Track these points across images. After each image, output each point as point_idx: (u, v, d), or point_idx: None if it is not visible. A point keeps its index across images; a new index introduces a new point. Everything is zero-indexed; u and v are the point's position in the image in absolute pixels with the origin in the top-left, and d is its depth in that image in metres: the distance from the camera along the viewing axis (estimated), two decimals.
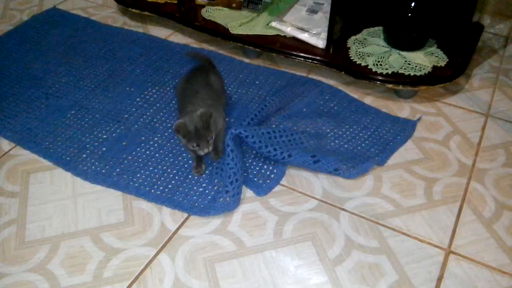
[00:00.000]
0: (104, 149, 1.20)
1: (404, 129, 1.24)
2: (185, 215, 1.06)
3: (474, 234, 1.01)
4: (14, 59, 1.51)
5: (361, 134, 1.23)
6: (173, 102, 1.33)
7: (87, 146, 1.21)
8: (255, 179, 1.13)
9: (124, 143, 1.21)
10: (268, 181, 1.12)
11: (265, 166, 1.15)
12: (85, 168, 1.15)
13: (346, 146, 1.19)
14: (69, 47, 1.56)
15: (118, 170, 1.14)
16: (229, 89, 1.37)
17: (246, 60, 1.50)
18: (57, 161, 1.18)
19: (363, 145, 1.20)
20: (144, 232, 1.03)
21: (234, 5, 1.57)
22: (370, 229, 1.02)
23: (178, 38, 1.62)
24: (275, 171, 1.14)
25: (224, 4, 1.58)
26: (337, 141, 1.20)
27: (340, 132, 1.23)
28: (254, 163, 1.16)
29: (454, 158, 1.17)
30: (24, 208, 1.08)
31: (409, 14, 1.28)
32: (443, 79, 1.29)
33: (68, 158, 1.18)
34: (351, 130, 1.24)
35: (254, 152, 1.17)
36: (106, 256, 0.99)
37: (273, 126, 1.23)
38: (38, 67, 1.47)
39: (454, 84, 1.37)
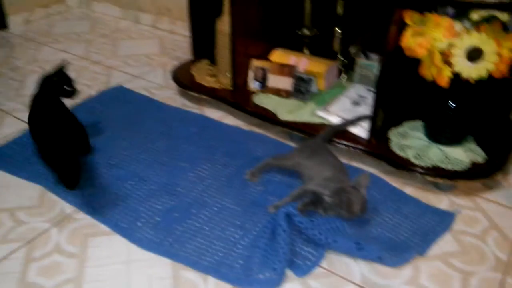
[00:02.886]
0: (158, 219, 1.29)
1: (443, 220, 1.29)
2: None
3: None
4: None
5: (402, 223, 1.27)
6: (223, 178, 1.43)
7: (143, 215, 1.30)
8: (295, 259, 1.17)
9: (176, 215, 1.30)
10: (308, 262, 1.17)
11: (305, 247, 1.20)
12: (139, 235, 1.24)
13: (388, 234, 1.24)
14: (132, 123, 1.71)
15: (170, 239, 1.23)
16: (274, 170, 1.46)
17: (292, 144, 1.60)
18: (115, 227, 1.27)
19: (404, 234, 1.24)
20: None
21: (283, 93, 1.70)
22: None
23: (230, 120, 1.75)
24: (315, 253, 1.19)
25: (274, 92, 1.71)
26: (379, 229, 1.25)
27: (382, 221, 1.28)
28: (295, 243, 1.21)
29: (491, 253, 1.20)
30: (81, 269, 1.16)
31: (449, 112, 1.36)
32: (480, 175, 1.35)
33: (125, 225, 1.27)
34: (393, 218, 1.29)
35: (295, 232, 1.22)
36: None
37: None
38: (102, 139, 1.62)
39: (492, 180, 1.43)
